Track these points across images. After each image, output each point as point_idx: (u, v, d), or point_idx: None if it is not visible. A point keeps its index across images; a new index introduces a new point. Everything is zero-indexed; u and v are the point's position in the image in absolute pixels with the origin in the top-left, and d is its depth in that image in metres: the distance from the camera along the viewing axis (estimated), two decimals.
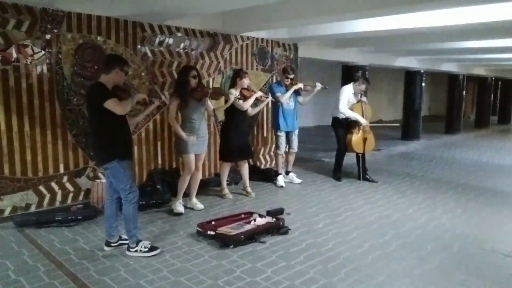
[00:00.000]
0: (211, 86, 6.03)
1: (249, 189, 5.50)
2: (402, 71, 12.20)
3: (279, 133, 5.91)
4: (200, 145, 4.68)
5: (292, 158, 6.23)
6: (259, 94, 5.29)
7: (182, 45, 5.70)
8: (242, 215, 4.39)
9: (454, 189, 6.05)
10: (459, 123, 14.04)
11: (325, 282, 3.11)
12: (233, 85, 5.23)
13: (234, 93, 5.05)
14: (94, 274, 3.20)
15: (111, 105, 3.29)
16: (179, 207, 4.72)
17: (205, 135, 4.78)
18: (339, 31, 6.18)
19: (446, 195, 5.67)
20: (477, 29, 6.08)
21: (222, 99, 5.23)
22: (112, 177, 3.52)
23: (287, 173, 6.22)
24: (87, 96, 3.56)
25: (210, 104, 4.79)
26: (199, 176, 4.89)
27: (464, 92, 14.22)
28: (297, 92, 5.90)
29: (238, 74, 5.23)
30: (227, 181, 5.56)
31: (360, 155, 6.33)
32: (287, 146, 6.11)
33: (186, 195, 4.89)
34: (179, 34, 5.65)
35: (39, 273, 3.20)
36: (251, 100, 5.15)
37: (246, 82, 5.19)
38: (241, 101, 5.08)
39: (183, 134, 4.53)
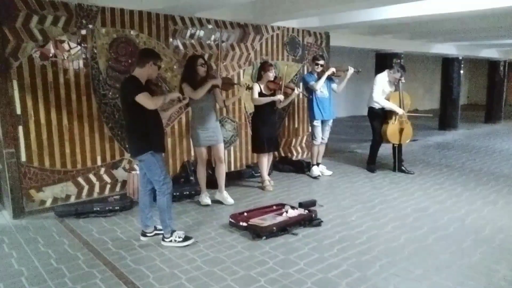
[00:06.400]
0: (242, 78, 6.04)
1: (266, 182, 5.36)
2: (440, 58, 11.76)
3: (315, 123, 5.83)
4: (211, 136, 4.58)
5: (322, 150, 6.12)
6: (277, 97, 5.10)
7: (213, 37, 5.71)
8: (274, 207, 4.38)
9: (495, 180, 5.79)
10: (499, 111, 13.45)
11: (359, 275, 3.06)
12: (259, 78, 5.22)
13: (255, 86, 5.10)
14: (131, 263, 3.29)
15: (143, 99, 3.33)
16: (205, 199, 4.76)
17: (215, 126, 4.63)
18: (371, 17, 5.99)
19: (486, 187, 5.45)
20: None
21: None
22: (146, 169, 3.58)
23: (317, 164, 6.14)
24: (120, 89, 3.63)
25: (220, 94, 4.70)
26: (223, 168, 4.80)
27: (505, 79, 13.56)
28: (330, 80, 5.81)
29: (262, 67, 5.20)
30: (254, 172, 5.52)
31: (397, 146, 6.15)
32: None
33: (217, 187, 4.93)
34: (210, 26, 5.66)
35: (79, 262, 3.32)
36: (264, 100, 5.08)
37: (270, 75, 5.12)
38: (255, 95, 5.07)
39: (216, 81, 4.43)
